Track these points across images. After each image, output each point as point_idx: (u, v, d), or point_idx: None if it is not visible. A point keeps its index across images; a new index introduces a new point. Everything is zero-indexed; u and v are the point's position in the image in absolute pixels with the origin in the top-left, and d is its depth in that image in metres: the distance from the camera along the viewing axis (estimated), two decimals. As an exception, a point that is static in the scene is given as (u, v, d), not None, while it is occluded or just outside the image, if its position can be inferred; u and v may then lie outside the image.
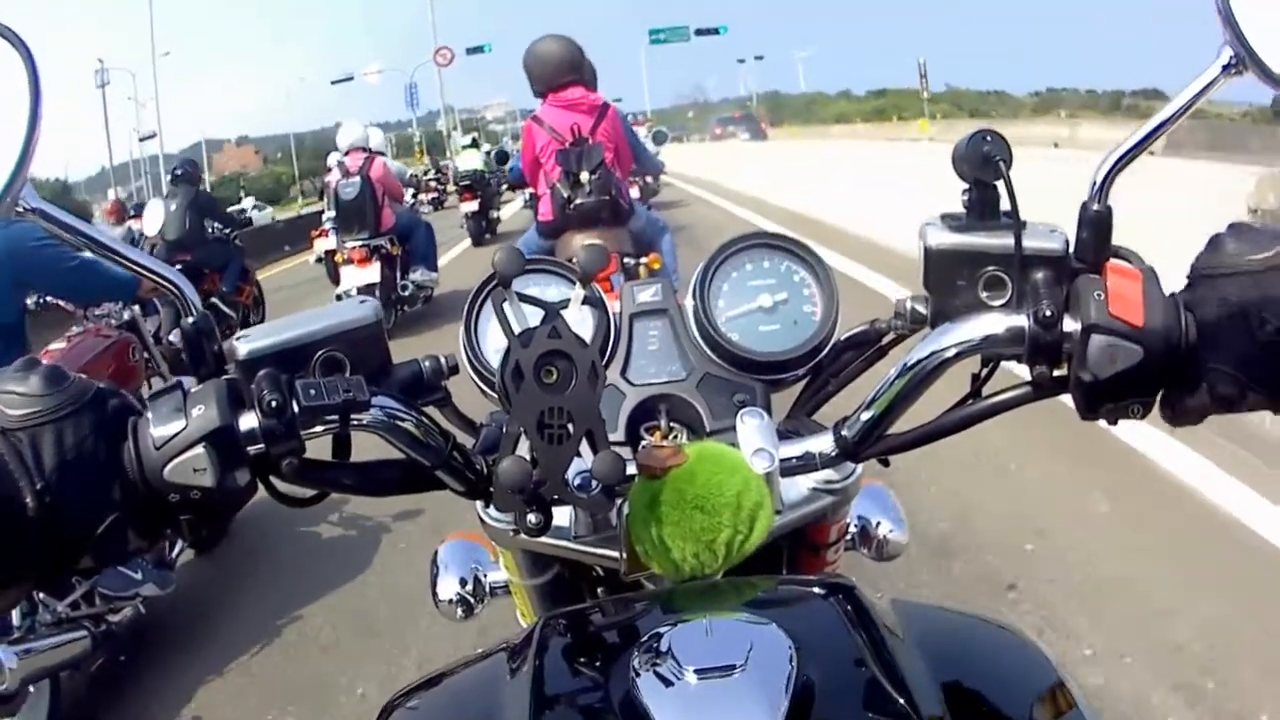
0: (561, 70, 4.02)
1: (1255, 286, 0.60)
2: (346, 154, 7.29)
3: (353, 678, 2.70)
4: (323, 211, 8.43)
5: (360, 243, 6.91)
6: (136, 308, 3.44)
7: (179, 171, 7.34)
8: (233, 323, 6.99)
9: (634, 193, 5.07)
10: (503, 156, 7.72)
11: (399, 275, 7.26)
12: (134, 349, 3.35)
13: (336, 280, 7.31)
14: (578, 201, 3.87)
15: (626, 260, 3.58)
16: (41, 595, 2.40)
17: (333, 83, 52.48)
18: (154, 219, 6.84)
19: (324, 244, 7.82)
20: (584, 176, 3.88)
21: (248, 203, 13.21)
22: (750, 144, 29.04)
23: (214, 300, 6.88)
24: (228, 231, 7.39)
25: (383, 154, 7.63)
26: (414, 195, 11.33)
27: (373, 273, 6.81)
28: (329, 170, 8.23)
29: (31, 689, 2.34)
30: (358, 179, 6.97)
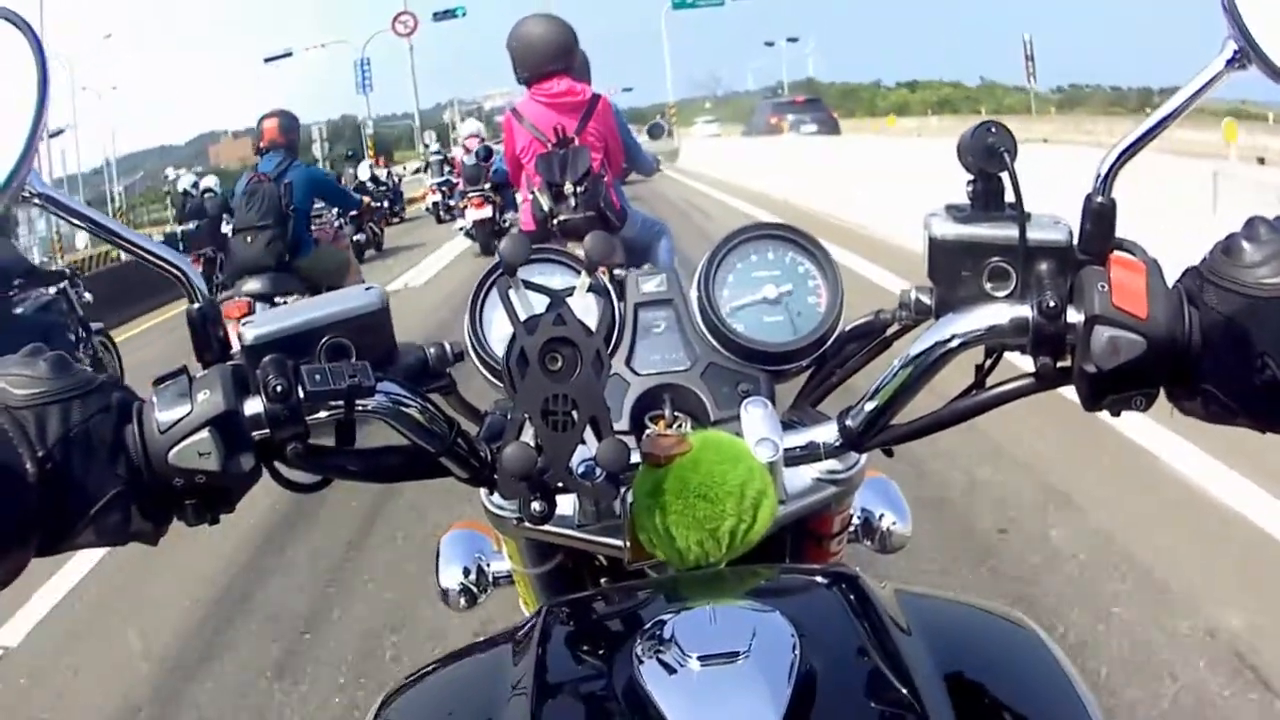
0: (547, 57, 3.51)
1: (1264, 318, 0.59)
2: (468, 138, 12.33)
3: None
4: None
5: (477, 192, 10.98)
6: (336, 212, 6.91)
7: (350, 153, 14.98)
8: (378, 240, 13.41)
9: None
10: (486, 153, 10.96)
11: (498, 215, 10.81)
12: (343, 237, 6.68)
13: (439, 220, 15.89)
14: (561, 218, 3.41)
15: (617, 273, 2.47)
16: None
17: (266, 61, 39.10)
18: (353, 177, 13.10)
19: (433, 198, 16.49)
20: (568, 188, 3.40)
21: (399, 169, 20.38)
22: (815, 140, 19.39)
23: (370, 224, 12.41)
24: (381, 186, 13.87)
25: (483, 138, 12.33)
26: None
27: (486, 211, 10.76)
28: (431, 150, 17.73)
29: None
30: (474, 155, 11.17)
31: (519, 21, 3.58)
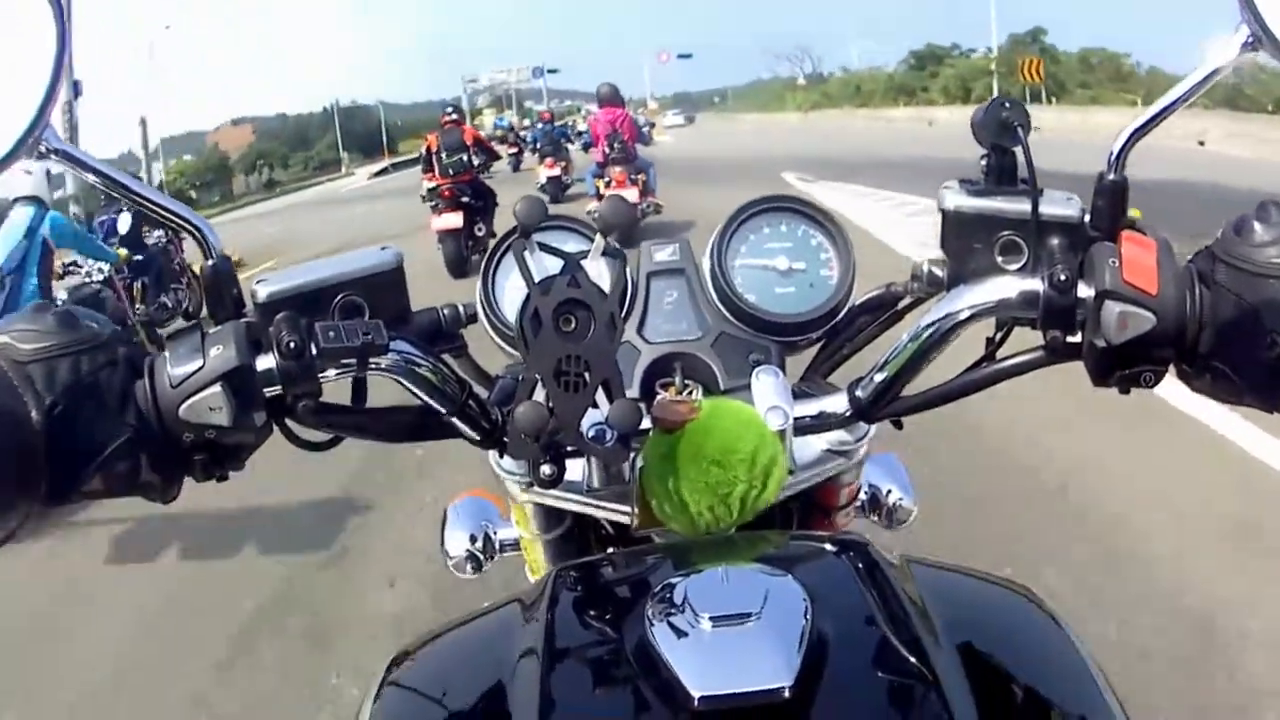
0: (608, 100, 10.09)
1: (1274, 296, 0.60)
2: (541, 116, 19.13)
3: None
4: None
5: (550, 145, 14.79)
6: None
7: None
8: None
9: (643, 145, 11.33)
10: (582, 131, 15.05)
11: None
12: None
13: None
14: (612, 155, 9.54)
15: (631, 177, 9.34)
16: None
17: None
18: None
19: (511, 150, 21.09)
20: (615, 144, 9.54)
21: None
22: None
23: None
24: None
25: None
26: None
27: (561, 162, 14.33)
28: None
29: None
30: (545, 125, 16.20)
31: (599, 85, 10.24)
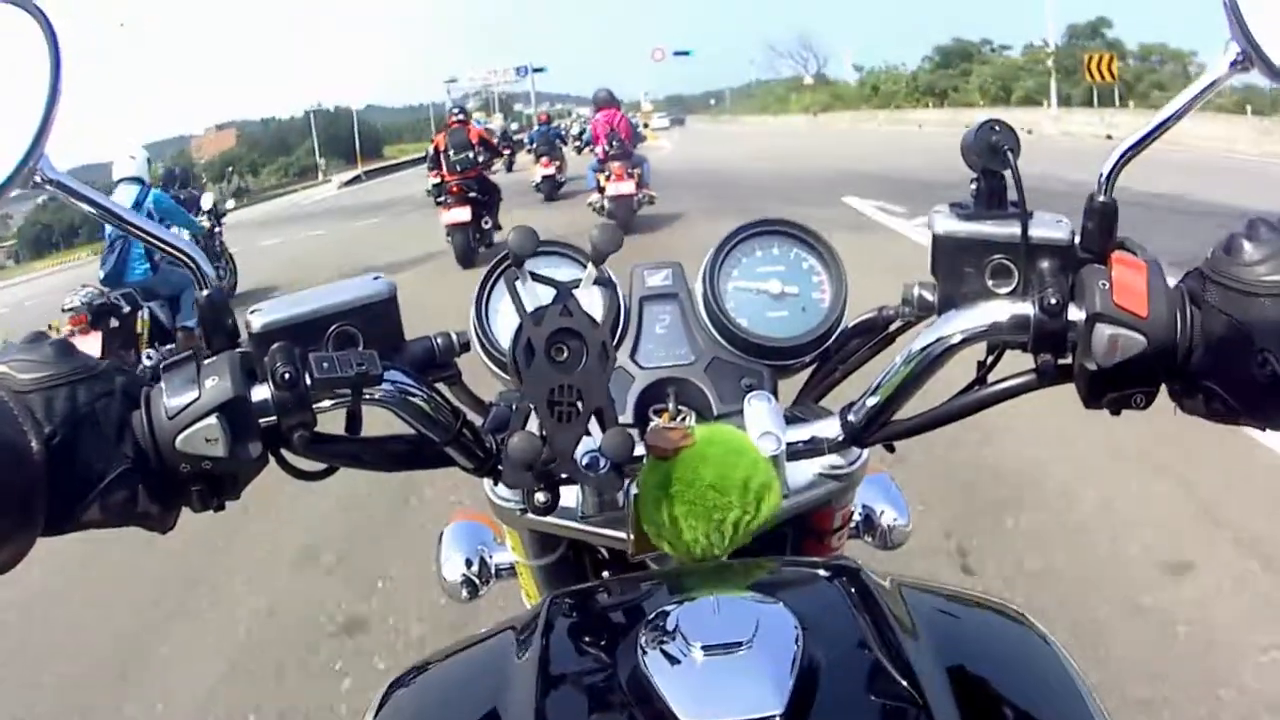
0: (605, 103, 11.12)
1: (1264, 314, 0.60)
2: (540, 119, 19.58)
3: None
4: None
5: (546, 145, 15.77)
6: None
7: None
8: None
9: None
10: (581, 132, 16.14)
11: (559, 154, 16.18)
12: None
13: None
14: (611, 152, 10.38)
15: (629, 171, 10.23)
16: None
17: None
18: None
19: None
20: (614, 142, 10.42)
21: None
22: None
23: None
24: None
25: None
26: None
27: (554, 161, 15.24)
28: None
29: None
30: (544, 125, 17.20)
31: (596, 91, 11.61)
